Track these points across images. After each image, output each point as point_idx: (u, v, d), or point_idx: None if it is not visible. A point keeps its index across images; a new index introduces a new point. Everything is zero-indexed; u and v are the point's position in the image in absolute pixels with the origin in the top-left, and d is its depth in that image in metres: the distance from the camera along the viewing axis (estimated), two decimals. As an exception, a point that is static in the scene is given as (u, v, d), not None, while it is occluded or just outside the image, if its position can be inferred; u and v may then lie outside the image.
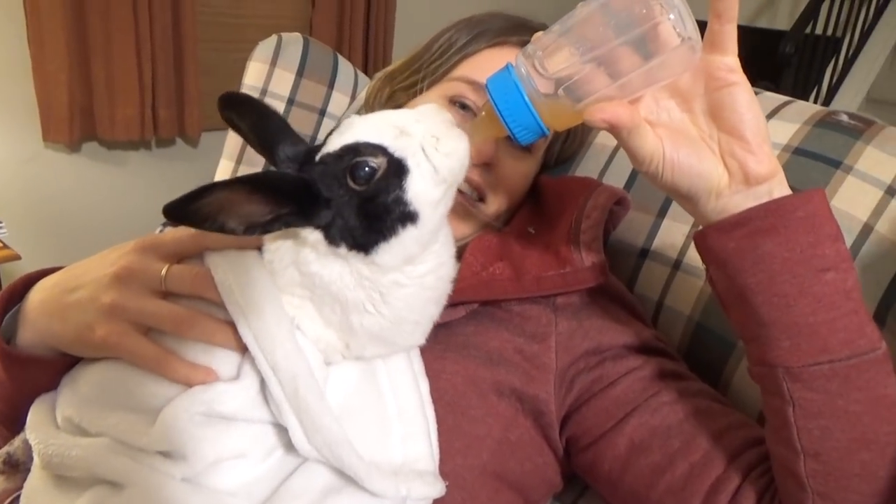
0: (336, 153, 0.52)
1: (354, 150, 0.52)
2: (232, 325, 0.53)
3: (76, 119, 2.18)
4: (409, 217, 0.51)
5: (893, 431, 0.50)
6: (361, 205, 0.51)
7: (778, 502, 0.56)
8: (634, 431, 0.65)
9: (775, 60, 2.78)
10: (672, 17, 0.47)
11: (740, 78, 0.51)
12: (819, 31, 3.12)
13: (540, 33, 0.53)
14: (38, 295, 0.59)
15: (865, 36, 3.46)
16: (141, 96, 2.25)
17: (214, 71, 2.48)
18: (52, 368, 0.59)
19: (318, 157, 0.53)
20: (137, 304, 0.54)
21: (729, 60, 0.50)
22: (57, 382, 0.59)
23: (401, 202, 0.51)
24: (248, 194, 0.48)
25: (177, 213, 0.45)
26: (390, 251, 0.52)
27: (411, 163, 0.51)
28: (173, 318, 0.54)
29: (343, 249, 0.52)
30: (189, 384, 0.52)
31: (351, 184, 0.51)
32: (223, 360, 0.54)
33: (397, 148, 0.51)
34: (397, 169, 0.51)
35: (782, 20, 3.75)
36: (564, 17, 0.51)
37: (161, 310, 0.54)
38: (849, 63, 3.40)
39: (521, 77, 0.52)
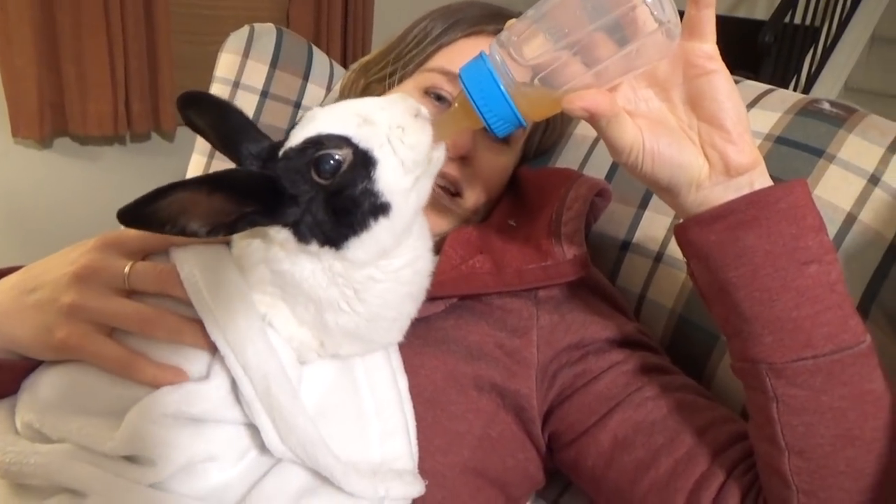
0: (298, 147, 0.50)
1: (317, 143, 0.50)
2: (200, 324, 0.51)
3: (46, 114, 2.13)
4: (381, 209, 0.50)
5: (879, 427, 0.49)
6: (329, 199, 0.50)
7: (763, 499, 0.55)
8: (618, 427, 0.64)
9: (755, 50, 2.79)
10: (649, 0, 0.46)
11: (719, 66, 0.50)
12: (798, 20, 3.14)
13: (514, 20, 0.51)
14: None
15: (843, 25, 3.49)
16: (114, 90, 2.20)
17: (190, 64, 2.44)
18: (12, 373, 0.57)
19: (280, 153, 0.51)
20: (99, 304, 0.52)
21: (707, 47, 0.49)
22: (16, 387, 0.57)
23: (370, 194, 0.49)
24: (209, 194, 0.46)
25: (133, 217, 0.43)
26: (363, 246, 0.50)
27: (378, 153, 0.50)
28: (138, 317, 0.52)
29: (314, 246, 0.50)
30: (156, 385, 0.51)
31: (316, 178, 0.50)
32: (192, 359, 0.52)
33: (362, 138, 0.50)
34: (364, 160, 0.49)
35: (761, 10, 3.78)
36: (539, 1, 0.50)
37: (125, 309, 0.52)
38: (827, 52, 3.43)
39: (496, 65, 0.50)
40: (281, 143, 0.53)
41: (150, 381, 0.51)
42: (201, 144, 1.17)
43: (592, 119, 0.50)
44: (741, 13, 3.87)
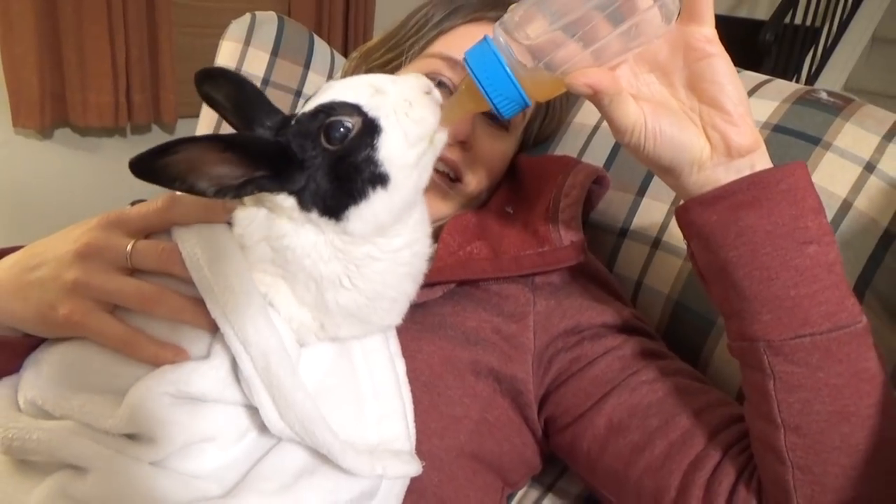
0: (310, 112, 0.51)
1: (329, 109, 0.51)
2: (201, 302, 0.51)
3: (47, 104, 2.13)
4: (380, 179, 0.50)
5: (873, 404, 0.50)
6: (334, 165, 0.50)
7: (757, 479, 0.56)
8: (613, 411, 0.64)
9: (755, 49, 2.79)
10: None
11: (718, 49, 0.51)
12: (798, 20, 3.15)
13: (515, 4, 0.52)
14: None
15: (844, 26, 3.49)
16: (115, 81, 2.20)
17: (191, 56, 2.44)
18: (14, 350, 0.57)
19: (293, 121, 0.52)
20: (102, 281, 0.52)
21: (707, 31, 0.50)
22: (19, 365, 0.57)
23: (371, 162, 0.50)
24: (221, 153, 0.47)
25: (144, 167, 0.44)
26: (361, 217, 0.51)
27: (384, 123, 0.50)
28: (139, 294, 0.52)
29: (314, 215, 0.51)
30: (157, 364, 0.51)
31: (325, 143, 0.50)
32: (193, 338, 0.52)
33: (372, 107, 0.51)
34: (370, 128, 0.50)
35: (762, 10, 3.78)
36: None
37: (126, 286, 0.52)
38: (827, 52, 3.43)
39: (500, 48, 0.51)
40: (293, 116, 0.54)
41: (150, 359, 0.51)
42: (201, 133, 1.17)
43: (595, 97, 0.50)
44: (742, 13, 3.87)
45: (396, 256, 0.54)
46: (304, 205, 0.50)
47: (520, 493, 0.78)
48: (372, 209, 0.51)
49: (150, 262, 0.53)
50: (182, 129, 2.52)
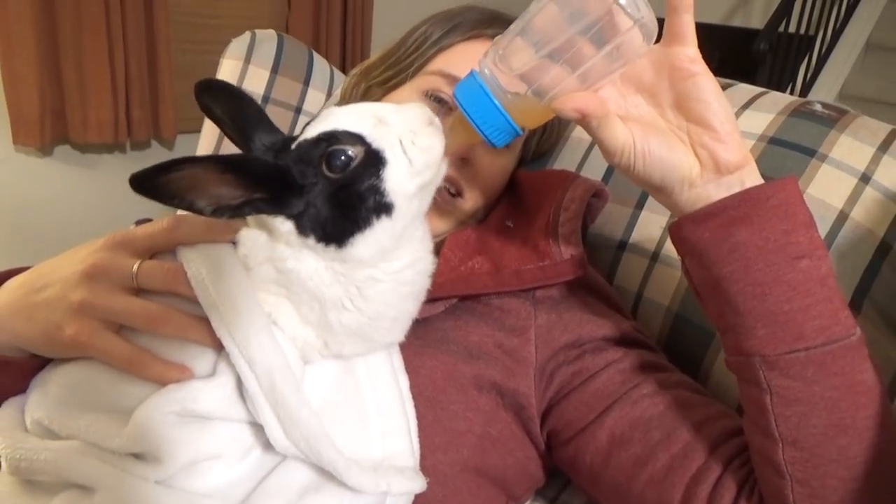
0: (312, 140, 0.52)
1: (331, 138, 0.51)
2: (206, 321, 0.52)
3: (47, 122, 2.14)
4: (385, 208, 0.51)
5: (870, 416, 0.50)
6: (335, 193, 0.51)
7: (758, 493, 0.56)
8: (615, 424, 0.64)
9: (750, 58, 2.81)
10: (623, 0, 0.48)
11: (702, 68, 0.52)
12: (792, 29, 3.17)
13: (499, 36, 0.54)
14: (3, 296, 0.57)
15: (837, 33, 3.51)
16: (114, 98, 2.21)
17: (189, 73, 2.45)
18: (21, 371, 0.57)
19: (294, 145, 0.52)
20: (108, 302, 0.53)
21: (689, 51, 0.51)
22: (26, 385, 0.58)
23: (376, 191, 0.50)
24: (221, 174, 0.47)
25: (145, 184, 0.44)
26: (364, 243, 0.51)
27: (389, 154, 0.51)
28: (145, 314, 0.53)
29: (312, 241, 0.51)
30: (163, 383, 0.51)
31: (326, 171, 0.51)
32: (198, 357, 0.53)
33: (375, 138, 0.51)
34: (374, 159, 0.51)
35: (756, 19, 3.80)
36: (521, 14, 0.52)
37: (132, 306, 0.53)
38: (822, 60, 3.45)
39: (486, 79, 0.53)
40: (294, 137, 0.54)
41: (156, 377, 0.51)
42: (203, 150, 1.17)
43: (584, 120, 0.51)
44: (737, 22, 3.90)
45: (399, 276, 0.55)
46: (303, 230, 0.51)
47: (523, 507, 0.78)
48: (375, 236, 0.51)
49: (156, 281, 0.54)
50: (181, 145, 2.53)
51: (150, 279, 0.54)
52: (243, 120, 0.55)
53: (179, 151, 2.54)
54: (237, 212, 0.49)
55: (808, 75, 3.40)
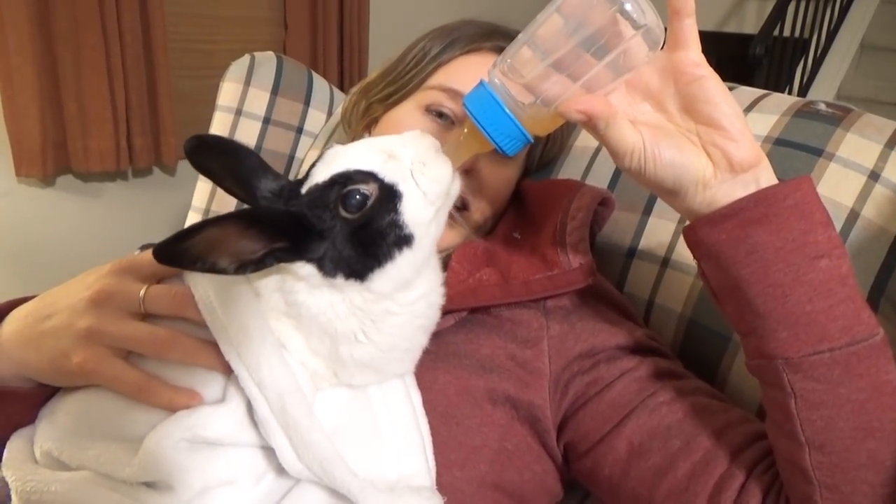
0: (325, 183, 0.52)
1: (345, 179, 0.51)
2: (215, 345, 0.51)
3: (49, 152, 2.15)
4: (405, 240, 0.51)
5: None
6: (354, 233, 0.51)
7: (784, 498, 0.55)
8: (633, 434, 0.63)
9: (746, 63, 2.82)
10: (629, 7, 0.49)
11: (708, 71, 0.52)
12: (787, 32, 3.18)
13: (507, 46, 0.54)
14: (10, 326, 0.57)
15: (832, 35, 3.53)
16: (115, 126, 2.22)
17: (189, 98, 2.47)
18: (29, 401, 0.57)
19: (304, 190, 0.53)
20: (115, 328, 0.52)
21: (693, 55, 0.52)
22: (34, 416, 0.57)
23: (396, 226, 0.51)
24: (239, 231, 0.47)
25: (167, 253, 0.44)
26: (386, 276, 0.52)
27: (403, 187, 0.51)
28: (153, 339, 0.52)
29: (340, 279, 0.51)
30: (172, 409, 0.51)
31: (343, 213, 0.51)
32: (207, 382, 0.52)
33: (387, 173, 0.51)
34: (390, 194, 0.51)
35: (750, 24, 3.82)
36: (528, 24, 0.53)
37: (139, 332, 0.53)
38: (817, 63, 3.46)
39: (497, 89, 0.53)
40: (298, 181, 0.54)
41: (165, 404, 0.51)
42: (203, 179, 1.18)
43: (590, 123, 0.51)
44: (731, 28, 3.92)
45: (413, 309, 0.55)
46: (328, 271, 0.51)
47: (542, 522, 0.77)
48: (397, 268, 0.52)
49: (164, 306, 0.53)
50: (183, 171, 2.54)
51: (158, 304, 0.53)
52: (243, 172, 0.55)
53: (181, 177, 2.54)
54: (259, 265, 0.49)
55: (805, 78, 3.41)
